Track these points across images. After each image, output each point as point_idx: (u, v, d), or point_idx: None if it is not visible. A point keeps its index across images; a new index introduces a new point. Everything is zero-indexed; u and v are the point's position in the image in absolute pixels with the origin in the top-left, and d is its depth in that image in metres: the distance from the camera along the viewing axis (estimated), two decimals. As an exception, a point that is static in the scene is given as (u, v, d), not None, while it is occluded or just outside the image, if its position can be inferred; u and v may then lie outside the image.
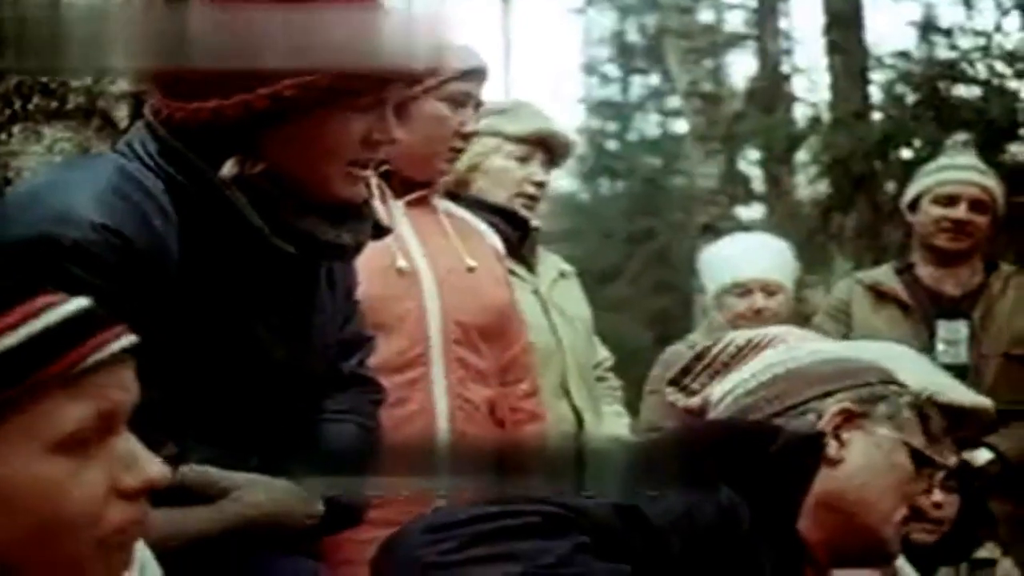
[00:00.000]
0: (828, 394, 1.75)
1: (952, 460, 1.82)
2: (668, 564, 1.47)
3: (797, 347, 1.85)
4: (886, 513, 1.70)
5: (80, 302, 1.15)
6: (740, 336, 1.94)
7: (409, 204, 2.67)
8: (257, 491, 1.73)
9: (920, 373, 2.00)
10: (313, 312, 1.88)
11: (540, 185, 3.29)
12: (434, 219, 2.73)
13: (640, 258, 11.12)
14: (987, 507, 3.19)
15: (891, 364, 1.84)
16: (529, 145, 3.26)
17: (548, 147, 3.31)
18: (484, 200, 3.14)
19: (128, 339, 1.17)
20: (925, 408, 1.76)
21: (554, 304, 3.41)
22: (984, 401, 2.83)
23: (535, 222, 3.36)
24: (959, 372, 3.39)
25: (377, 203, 2.43)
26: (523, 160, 3.25)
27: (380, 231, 1.91)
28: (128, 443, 1.17)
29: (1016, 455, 3.54)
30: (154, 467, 1.17)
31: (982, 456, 3.47)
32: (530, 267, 3.39)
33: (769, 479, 1.62)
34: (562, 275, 3.58)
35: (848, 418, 1.72)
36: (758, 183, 11.11)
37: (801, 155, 8.68)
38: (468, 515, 1.41)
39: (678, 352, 3.91)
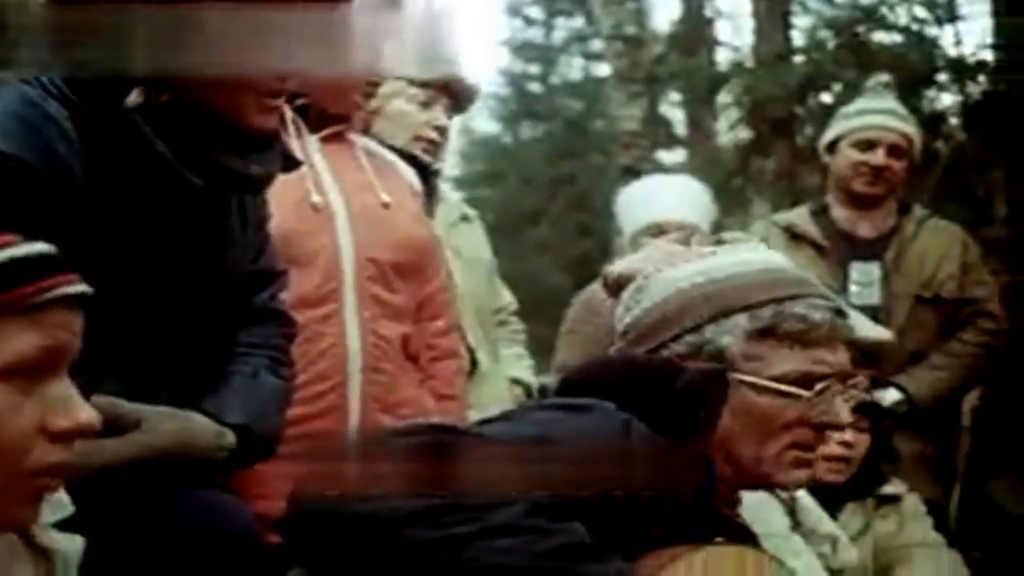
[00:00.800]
0: (655, 350, 1.74)
1: (838, 359, 1.75)
2: (582, 500, 1.46)
3: (653, 281, 1.82)
4: (756, 455, 1.69)
5: (42, 246, 1.21)
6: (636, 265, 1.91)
7: (325, 139, 2.64)
8: (167, 423, 1.72)
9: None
10: (224, 245, 1.86)
11: (441, 130, 3.27)
12: (350, 155, 2.70)
13: (561, 202, 11.12)
14: (893, 445, 3.25)
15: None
16: (432, 90, 3.23)
17: (452, 92, 3.29)
18: (384, 143, 3.13)
19: (82, 287, 1.21)
20: (776, 328, 1.70)
21: (452, 247, 3.41)
22: (886, 334, 2.88)
23: (436, 165, 3.35)
24: (871, 313, 3.45)
25: (292, 137, 2.41)
26: (425, 105, 3.23)
27: (291, 163, 1.88)
28: (66, 388, 1.20)
29: (923, 395, 3.61)
30: (87, 413, 1.20)
31: (890, 396, 3.52)
32: (429, 211, 3.39)
33: (676, 415, 1.63)
34: (464, 219, 3.57)
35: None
36: (680, 127, 11.14)
37: (724, 99, 8.71)
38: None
39: (593, 293, 3.93)
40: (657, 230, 3.80)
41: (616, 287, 1.88)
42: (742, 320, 1.71)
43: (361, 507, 1.35)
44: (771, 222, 3.96)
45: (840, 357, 1.73)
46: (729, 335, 1.70)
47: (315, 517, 1.37)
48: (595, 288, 4.01)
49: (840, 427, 1.73)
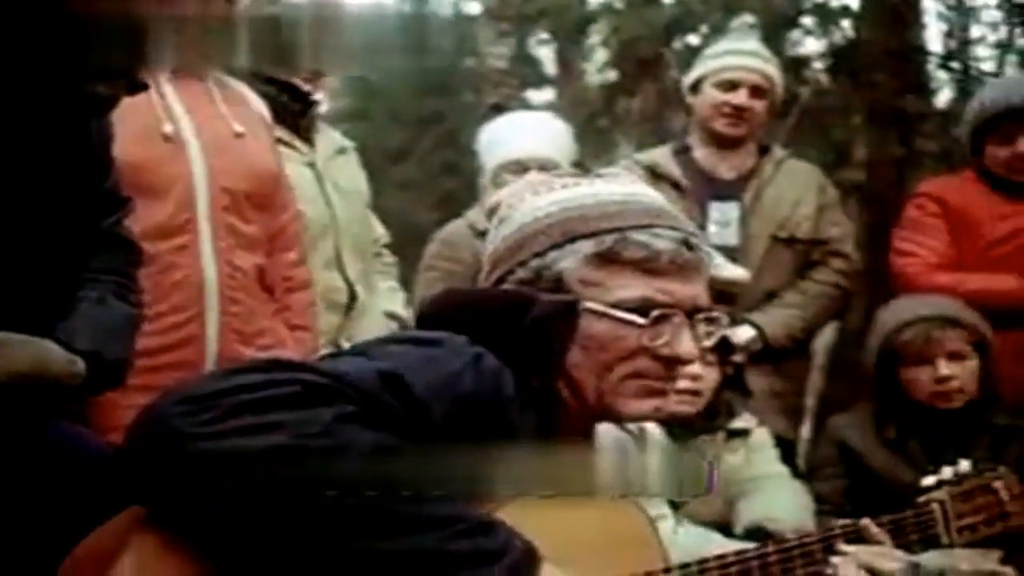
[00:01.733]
0: (503, 278, 1.74)
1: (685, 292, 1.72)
2: (431, 430, 1.47)
3: (514, 210, 1.82)
4: (596, 386, 1.68)
5: None
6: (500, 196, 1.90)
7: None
8: (16, 349, 1.68)
9: None
10: (67, 166, 1.81)
11: None
12: (202, 85, 2.67)
13: (429, 139, 11.05)
14: (745, 381, 3.31)
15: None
16: None
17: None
18: (265, 75, 3.09)
19: None
20: (618, 253, 1.69)
21: (330, 178, 3.38)
22: (741, 273, 2.92)
23: (316, 96, 3.32)
24: (729, 253, 3.50)
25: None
26: None
27: (136, 86, 1.83)
28: None
29: (776, 333, 3.67)
30: None
31: (744, 333, 3.58)
32: (308, 141, 3.35)
33: (526, 347, 1.63)
34: (341, 151, 3.54)
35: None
36: (549, 66, 11.13)
37: (592, 40, 8.71)
38: (229, 385, 1.37)
39: (453, 230, 3.93)
40: (518, 167, 3.79)
41: (490, 215, 1.88)
42: (585, 245, 1.70)
43: (202, 445, 1.32)
44: (633, 161, 3.97)
45: (691, 290, 1.71)
46: (570, 259, 1.69)
47: (154, 450, 1.35)
48: (455, 225, 4.02)
49: (683, 361, 1.69)
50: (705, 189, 3.83)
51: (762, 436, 3.19)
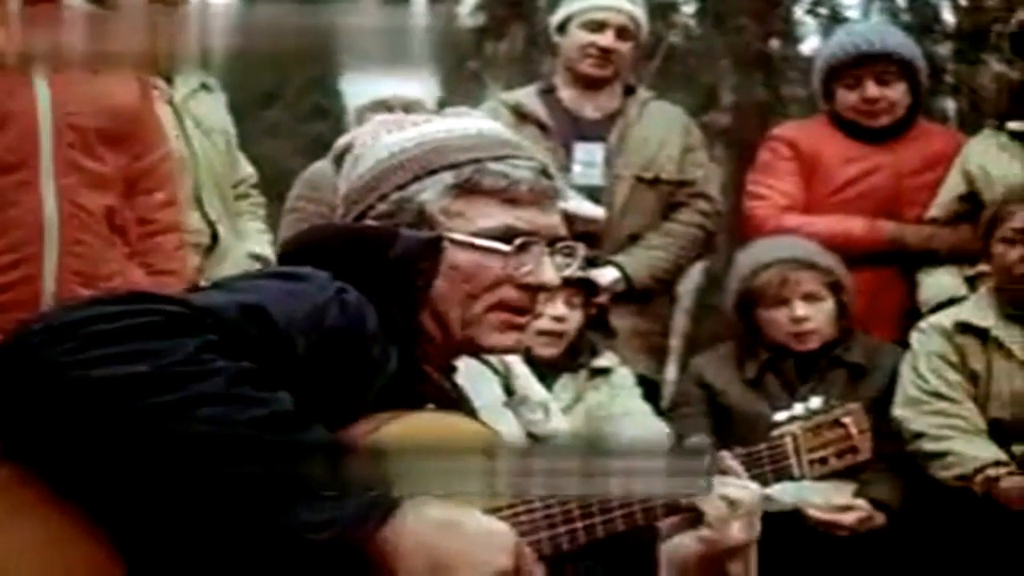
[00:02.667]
0: (364, 214, 1.73)
1: (549, 221, 1.72)
2: (293, 363, 1.45)
3: (369, 148, 1.80)
4: (460, 317, 1.68)
5: None
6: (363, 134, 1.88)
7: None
8: None
9: None
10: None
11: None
12: (56, 15, 2.57)
13: (296, 83, 10.92)
14: (609, 322, 3.34)
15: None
16: None
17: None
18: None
19: None
20: (478, 183, 1.69)
21: (190, 115, 3.31)
22: (596, 210, 2.94)
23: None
24: (594, 193, 3.51)
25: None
26: None
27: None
28: None
29: (640, 274, 3.70)
30: None
31: (608, 275, 3.60)
32: (167, 78, 3.28)
33: (389, 281, 1.62)
34: (204, 87, 3.47)
35: None
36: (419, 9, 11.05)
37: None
38: (89, 314, 1.35)
39: (315, 171, 3.89)
40: (382, 106, 3.76)
41: (339, 159, 1.86)
42: (444, 177, 1.70)
43: (62, 375, 1.30)
44: (499, 101, 3.96)
45: (549, 220, 1.73)
46: (431, 191, 1.69)
47: (16, 380, 1.32)
48: (318, 166, 3.97)
49: (546, 289, 1.71)
50: (570, 129, 3.83)
51: (624, 375, 3.23)
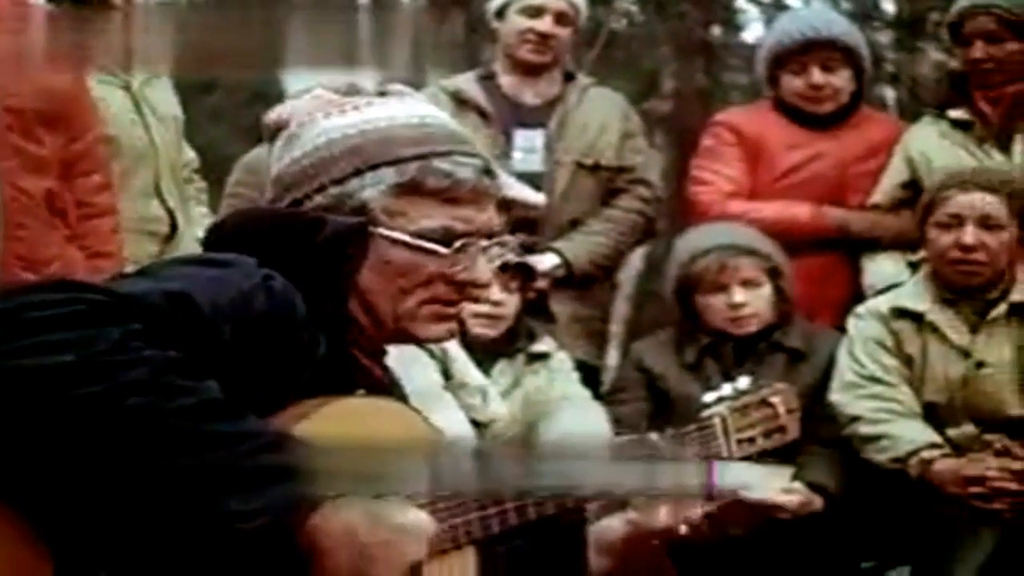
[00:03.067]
0: (300, 202, 1.69)
1: (485, 218, 1.70)
2: (220, 350, 1.44)
3: (305, 130, 1.78)
4: (392, 311, 1.67)
5: None
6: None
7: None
8: None
9: None
10: None
11: None
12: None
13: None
14: (549, 307, 3.35)
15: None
16: None
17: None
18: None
19: None
20: (421, 183, 1.66)
21: (147, 102, 3.28)
22: (536, 196, 2.94)
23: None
24: (534, 180, 3.51)
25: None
26: None
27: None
28: None
29: (580, 260, 3.71)
30: None
31: (548, 260, 3.60)
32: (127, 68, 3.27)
33: (316, 267, 1.61)
34: (156, 75, 3.44)
35: None
36: (362, -6, 11.00)
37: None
38: (16, 303, 1.34)
39: (254, 156, 3.87)
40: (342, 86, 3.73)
41: (271, 135, 1.82)
42: (387, 174, 1.66)
43: None
44: (438, 87, 3.94)
45: (486, 216, 1.71)
46: (372, 188, 1.66)
47: None
48: (257, 151, 3.95)
49: (480, 286, 1.70)
50: (510, 116, 3.82)
51: (562, 360, 3.24)
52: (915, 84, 8.59)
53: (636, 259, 6.72)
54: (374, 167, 1.67)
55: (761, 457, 2.14)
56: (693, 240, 3.48)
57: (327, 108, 1.76)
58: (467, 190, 1.68)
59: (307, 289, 1.57)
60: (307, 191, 1.69)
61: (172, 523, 1.36)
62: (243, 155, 4.05)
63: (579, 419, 3.09)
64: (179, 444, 1.33)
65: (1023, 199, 3.27)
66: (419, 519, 1.49)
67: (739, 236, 3.42)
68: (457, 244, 1.66)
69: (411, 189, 1.66)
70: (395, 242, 1.65)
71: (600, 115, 3.86)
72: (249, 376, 1.46)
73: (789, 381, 3.27)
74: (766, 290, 3.35)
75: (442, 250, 1.65)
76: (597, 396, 3.37)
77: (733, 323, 3.33)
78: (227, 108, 10.30)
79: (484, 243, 1.71)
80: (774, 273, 3.38)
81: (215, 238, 1.72)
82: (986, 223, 3.20)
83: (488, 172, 1.72)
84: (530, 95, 3.88)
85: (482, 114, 3.79)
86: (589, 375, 3.46)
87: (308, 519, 1.39)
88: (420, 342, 1.75)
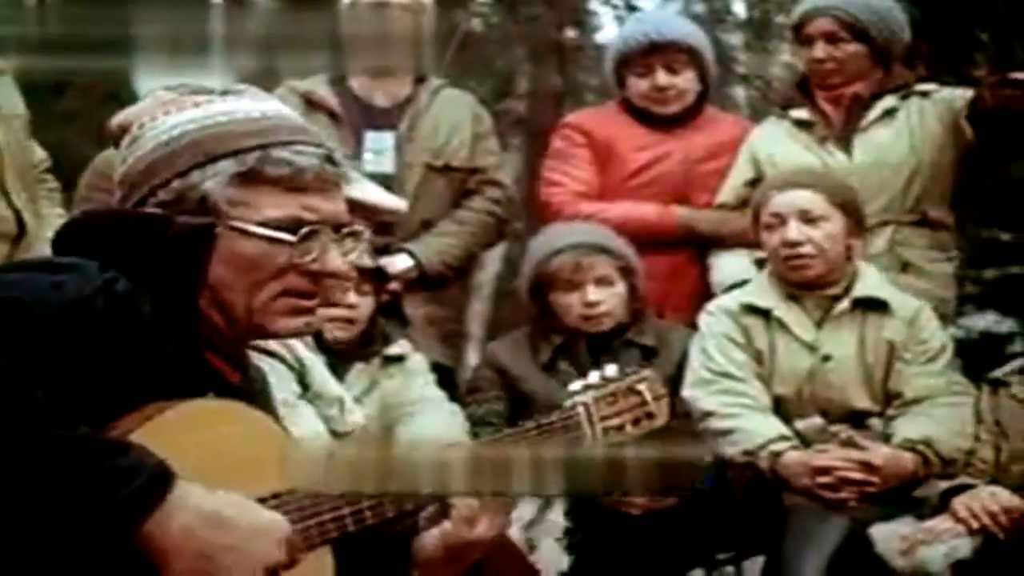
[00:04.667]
0: (143, 200, 1.68)
1: (333, 208, 1.70)
2: (56, 357, 1.42)
3: (147, 129, 1.76)
4: (246, 304, 1.65)
5: None
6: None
7: None
8: None
9: None
10: None
11: None
12: None
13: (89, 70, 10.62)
14: (403, 310, 3.34)
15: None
16: None
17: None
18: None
19: None
20: (262, 171, 1.64)
21: (-2, 101, 3.21)
22: (397, 202, 2.94)
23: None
24: (385, 181, 3.49)
25: None
26: None
27: None
28: None
29: (432, 261, 3.70)
30: None
31: (401, 262, 3.59)
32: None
33: (163, 268, 1.58)
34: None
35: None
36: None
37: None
38: None
39: (104, 158, 3.79)
40: (186, 89, 3.68)
41: (116, 140, 1.80)
42: (228, 165, 1.65)
43: None
44: (288, 88, 3.90)
45: (334, 206, 1.70)
46: (213, 180, 1.64)
47: None
48: (107, 154, 3.87)
49: (333, 275, 1.68)
50: (361, 118, 3.80)
51: (418, 362, 3.24)
52: (766, 85, 8.77)
53: (494, 260, 6.74)
54: (214, 159, 1.65)
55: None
56: (548, 239, 3.51)
57: (168, 107, 1.75)
58: (311, 178, 1.66)
59: (156, 290, 1.55)
60: (151, 187, 1.67)
61: (8, 536, 1.34)
62: (95, 156, 3.99)
63: (435, 421, 3.09)
64: (15, 452, 1.32)
65: (846, 194, 3.36)
66: (273, 520, 1.48)
67: (593, 235, 3.46)
68: (304, 231, 1.64)
69: (252, 178, 1.65)
70: (243, 233, 1.64)
71: (451, 116, 3.86)
72: (91, 381, 1.44)
73: (642, 377, 3.36)
74: (619, 288, 3.39)
75: (290, 238, 1.64)
76: (454, 397, 3.37)
77: (587, 321, 3.37)
78: (80, 109, 10.10)
79: (335, 234, 1.69)
80: (627, 271, 3.42)
81: (63, 241, 1.68)
82: (807, 218, 3.28)
83: (331, 160, 1.70)
84: (380, 97, 3.86)
85: (332, 116, 3.77)
86: (445, 376, 3.46)
87: (143, 525, 1.37)
88: (276, 337, 1.74)
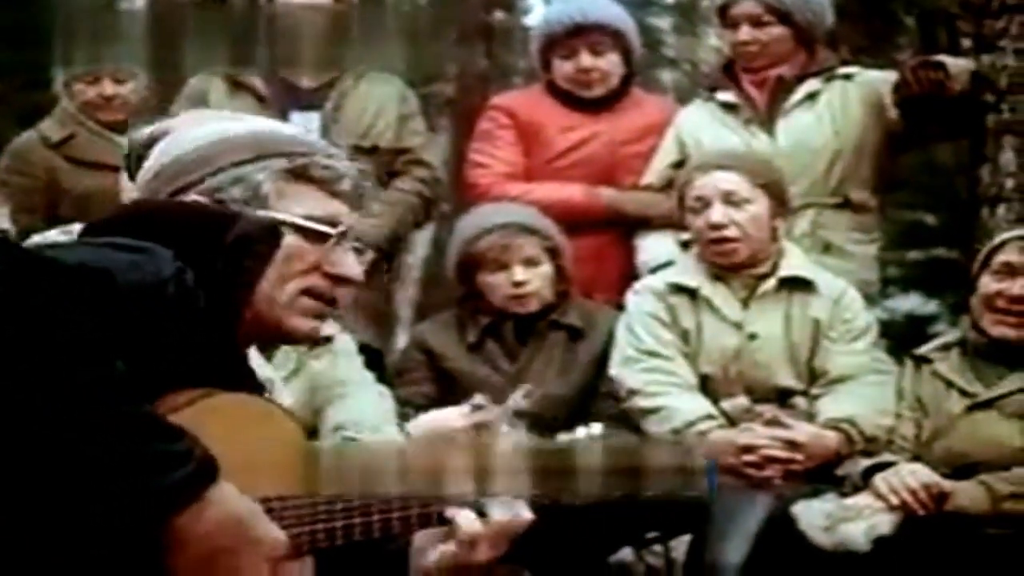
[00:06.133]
0: (186, 188, 1.70)
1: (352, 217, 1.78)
2: (130, 331, 1.41)
3: (184, 133, 1.78)
4: (272, 296, 1.67)
5: None
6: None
7: None
8: None
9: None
10: None
11: None
12: None
13: (7, 53, 10.47)
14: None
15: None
16: None
17: None
18: None
19: None
20: (309, 171, 1.71)
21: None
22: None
23: None
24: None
25: None
26: None
27: None
28: None
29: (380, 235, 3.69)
30: None
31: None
32: None
33: (224, 264, 1.59)
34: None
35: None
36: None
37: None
38: None
39: (26, 141, 3.79)
40: (92, 76, 3.65)
41: (149, 144, 1.82)
42: (280, 161, 1.71)
43: None
44: (212, 72, 3.87)
45: (354, 219, 1.76)
46: (265, 172, 1.70)
47: None
48: (26, 137, 3.87)
49: (350, 282, 1.72)
50: (286, 98, 3.77)
51: (345, 342, 3.24)
52: (694, 68, 8.83)
53: (423, 243, 6.74)
54: (266, 156, 1.71)
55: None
56: (475, 219, 3.53)
57: (200, 121, 1.82)
58: (348, 187, 1.74)
59: (211, 285, 1.55)
60: (200, 175, 1.71)
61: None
62: (14, 139, 3.97)
63: (363, 402, 3.09)
64: (70, 426, 1.31)
65: (770, 175, 3.40)
66: (277, 539, 1.48)
67: (520, 215, 3.48)
68: (340, 228, 1.70)
69: (299, 176, 1.71)
70: (286, 224, 1.68)
71: (377, 97, 3.84)
72: (149, 365, 1.42)
73: (569, 358, 3.39)
74: (546, 268, 3.41)
75: (330, 231, 1.69)
76: (382, 379, 3.36)
77: (514, 301, 3.38)
78: (4, 90, 9.96)
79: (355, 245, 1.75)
80: (554, 252, 3.43)
81: (110, 224, 1.65)
82: (730, 200, 3.31)
83: (363, 172, 1.80)
84: (306, 78, 3.84)
85: (258, 97, 3.74)
86: (373, 358, 3.46)
87: (181, 512, 1.37)
88: (288, 336, 1.74)
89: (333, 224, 1.71)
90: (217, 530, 1.40)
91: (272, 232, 1.66)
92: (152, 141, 1.81)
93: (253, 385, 1.67)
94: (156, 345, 1.46)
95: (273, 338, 1.78)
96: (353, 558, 1.70)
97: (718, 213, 3.29)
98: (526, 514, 1.78)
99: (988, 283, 3.21)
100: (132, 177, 1.84)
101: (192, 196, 1.70)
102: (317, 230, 1.69)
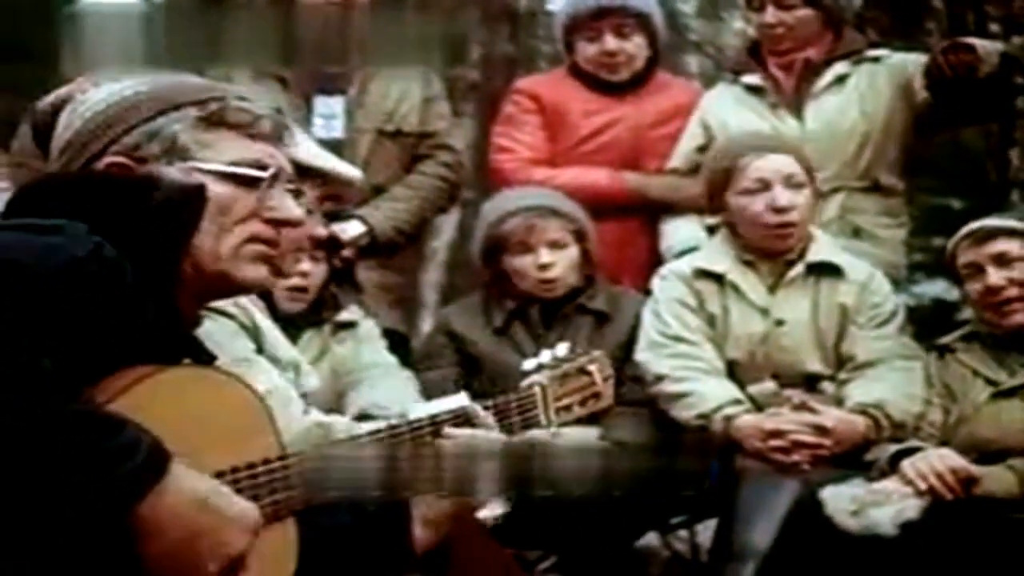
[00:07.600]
0: (101, 152, 1.68)
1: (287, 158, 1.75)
2: (53, 319, 1.39)
3: (88, 98, 1.74)
4: (214, 250, 1.64)
5: None
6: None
7: None
8: None
9: None
10: None
11: None
12: None
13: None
14: (355, 276, 3.32)
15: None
16: None
17: None
18: None
19: None
20: (225, 116, 1.69)
21: None
22: (356, 172, 2.93)
23: None
24: (334, 147, 3.46)
25: None
26: None
27: None
28: None
29: (384, 228, 3.65)
30: None
31: (353, 228, 3.55)
32: None
33: (149, 231, 1.57)
34: None
35: (124, 169, 1.65)
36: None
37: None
38: None
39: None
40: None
41: (51, 116, 1.78)
42: (191, 110, 1.68)
43: None
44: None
45: (284, 158, 1.74)
46: (179, 123, 1.67)
47: None
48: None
49: (292, 224, 1.71)
50: (310, 83, 3.74)
51: (369, 327, 3.23)
52: (719, 52, 8.77)
53: (449, 227, 6.72)
54: (177, 106, 1.69)
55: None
56: (501, 202, 3.51)
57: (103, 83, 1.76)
58: (268, 127, 1.72)
59: (137, 254, 1.53)
60: (112, 136, 1.68)
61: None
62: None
63: (387, 387, 3.08)
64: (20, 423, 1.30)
65: (810, 161, 3.37)
66: (246, 510, 1.48)
67: (546, 198, 3.46)
68: (270, 171, 1.68)
69: (215, 123, 1.69)
70: (211, 174, 1.65)
71: (401, 81, 3.81)
72: (79, 347, 1.41)
73: (596, 343, 3.36)
74: (572, 252, 3.39)
75: (263, 175, 1.67)
76: (407, 364, 3.35)
77: (540, 285, 3.36)
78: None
79: (288, 186, 1.73)
80: (579, 235, 3.41)
81: (22, 205, 1.63)
82: (791, 183, 3.28)
83: (280, 112, 1.78)
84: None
85: (282, 81, 3.72)
86: (398, 343, 3.45)
87: (139, 503, 1.36)
88: (241, 287, 1.72)
89: (262, 167, 1.68)
90: (183, 513, 1.39)
91: (195, 190, 1.63)
92: (56, 110, 1.77)
93: (200, 353, 1.65)
94: (87, 328, 1.43)
95: (224, 292, 1.75)
96: (354, 510, 1.74)
97: (784, 197, 3.25)
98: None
99: (971, 285, 3.22)
100: (40, 146, 1.81)
101: (108, 159, 1.66)
102: (247, 175, 1.67)
